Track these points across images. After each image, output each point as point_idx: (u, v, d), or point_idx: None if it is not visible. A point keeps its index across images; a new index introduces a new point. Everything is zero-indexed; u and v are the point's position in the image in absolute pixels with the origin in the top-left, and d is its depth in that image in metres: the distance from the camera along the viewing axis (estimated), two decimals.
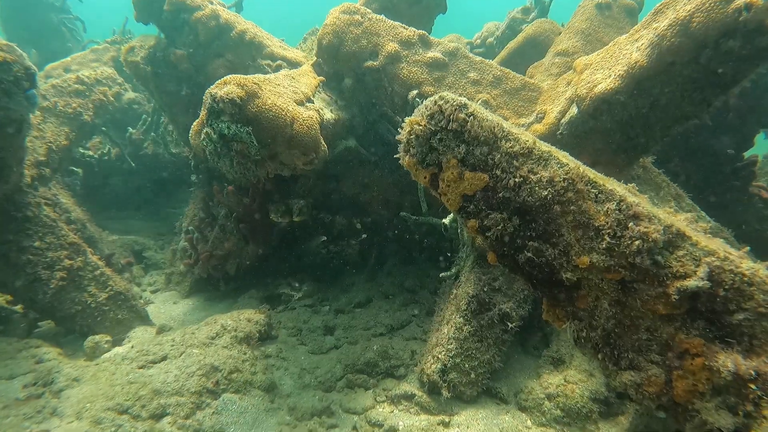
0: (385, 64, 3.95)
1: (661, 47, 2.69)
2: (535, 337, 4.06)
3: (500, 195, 2.22)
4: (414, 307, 4.54)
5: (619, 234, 2.05)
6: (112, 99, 5.51)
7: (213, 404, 3.35)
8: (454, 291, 3.81)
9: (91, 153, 6.50)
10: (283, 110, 3.02)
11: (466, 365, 3.53)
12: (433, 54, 3.99)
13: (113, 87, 5.63)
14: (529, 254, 2.22)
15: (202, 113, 3.02)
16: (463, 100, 2.28)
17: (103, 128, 6.49)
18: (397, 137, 2.43)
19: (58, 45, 8.94)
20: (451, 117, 2.25)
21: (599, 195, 2.13)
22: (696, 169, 5.06)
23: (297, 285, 5.47)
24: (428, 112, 2.29)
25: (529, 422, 3.41)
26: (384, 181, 4.67)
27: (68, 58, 5.90)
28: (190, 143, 5.77)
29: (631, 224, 2.04)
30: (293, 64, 4.66)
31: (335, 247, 6.37)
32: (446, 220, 3.78)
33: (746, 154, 5.08)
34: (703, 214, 4.35)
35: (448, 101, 2.27)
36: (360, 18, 4.05)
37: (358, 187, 4.70)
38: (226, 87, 2.89)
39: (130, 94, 6.58)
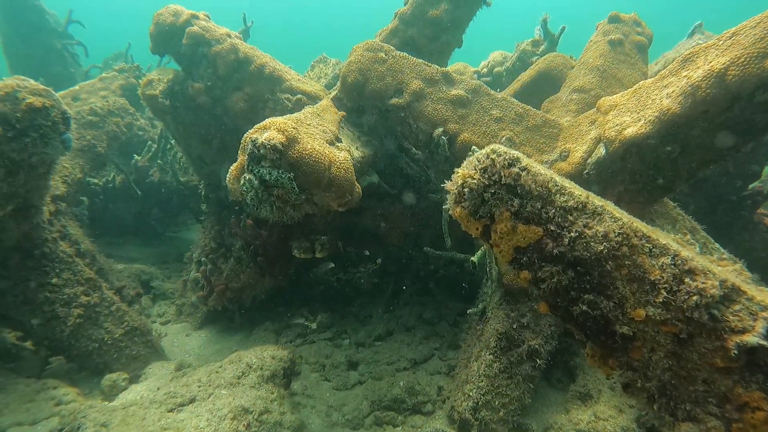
0: (410, 102, 4.00)
1: (696, 97, 2.79)
2: (558, 371, 4.10)
3: (555, 249, 2.26)
4: (435, 341, 4.55)
5: (675, 288, 2.10)
6: (125, 130, 5.47)
7: None
8: (482, 327, 3.84)
9: (96, 181, 6.43)
10: (322, 155, 3.04)
11: (497, 402, 3.54)
12: (457, 91, 4.05)
13: (125, 117, 5.58)
14: (584, 307, 2.26)
15: (241, 157, 3.02)
16: (516, 153, 2.33)
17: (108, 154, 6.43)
18: (446, 187, 2.46)
19: (60, 70, 8.85)
20: (504, 171, 2.30)
21: (653, 249, 2.18)
22: (704, 199, 5.20)
23: (311, 316, 5.45)
24: (481, 166, 2.33)
25: None
26: (403, 213, 4.71)
27: (77, 87, 5.85)
28: (200, 173, 5.76)
29: (687, 279, 2.09)
30: (312, 98, 4.69)
31: (345, 275, 6.37)
32: (474, 258, 3.82)
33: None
34: (717, 245, 4.46)
35: (501, 155, 2.32)
36: (384, 55, 4.11)
37: (377, 219, 4.73)
38: (267, 133, 2.90)
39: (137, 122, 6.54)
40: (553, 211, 2.27)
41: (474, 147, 3.87)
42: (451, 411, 3.65)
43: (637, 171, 3.38)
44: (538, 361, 3.63)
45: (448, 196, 2.49)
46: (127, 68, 6.83)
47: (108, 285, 4.81)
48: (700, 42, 5.73)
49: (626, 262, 2.18)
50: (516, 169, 2.29)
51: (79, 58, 9.40)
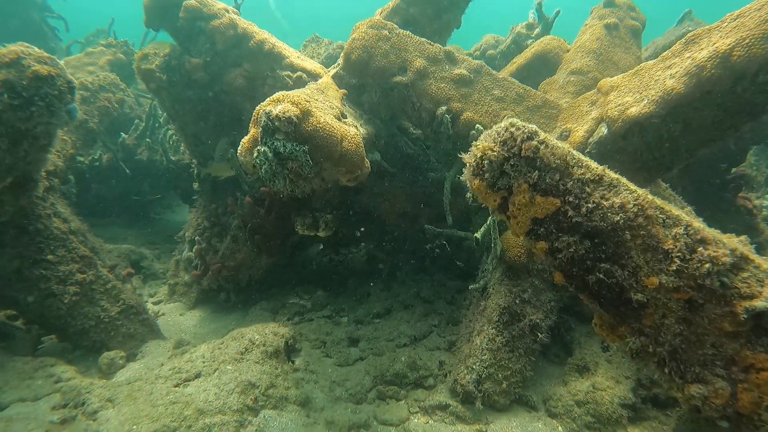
0: (413, 80, 4.01)
1: (700, 77, 2.88)
2: (555, 346, 4.22)
3: (572, 219, 2.33)
4: (434, 318, 4.62)
5: (688, 257, 2.20)
6: (116, 105, 5.33)
7: (254, 422, 3.33)
8: (484, 303, 3.92)
9: (82, 159, 6.27)
10: (334, 128, 3.05)
11: (500, 375, 3.64)
12: (460, 71, 4.08)
13: (117, 93, 5.43)
14: (600, 275, 2.34)
15: (253, 130, 3.01)
16: (534, 127, 2.38)
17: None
18: (464, 159, 2.51)
19: (40, 45, 8.45)
20: (524, 144, 2.35)
21: (667, 220, 2.27)
22: (690, 181, 5.37)
23: (306, 295, 5.46)
24: (500, 139, 2.38)
25: (560, 428, 3.55)
26: (402, 192, 4.74)
27: (61, 62, 5.63)
28: (194, 151, 5.68)
29: (699, 248, 2.19)
30: (313, 76, 4.65)
31: (337, 255, 6.40)
32: (478, 234, 3.88)
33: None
34: (705, 225, 4.62)
35: (519, 128, 2.37)
36: (387, 33, 4.10)
37: (376, 198, 4.75)
38: (281, 105, 2.89)
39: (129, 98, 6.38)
40: (571, 183, 2.34)
41: (477, 125, 3.92)
42: (453, 384, 3.73)
43: (638, 150, 3.48)
44: (539, 334, 3.73)
45: (465, 168, 2.54)
46: (114, 43, 6.63)
47: (102, 263, 4.73)
48: (690, 29, 5.89)
49: (641, 232, 2.27)
50: (535, 142, 2.35)
51: (60, 32, 9.07)
